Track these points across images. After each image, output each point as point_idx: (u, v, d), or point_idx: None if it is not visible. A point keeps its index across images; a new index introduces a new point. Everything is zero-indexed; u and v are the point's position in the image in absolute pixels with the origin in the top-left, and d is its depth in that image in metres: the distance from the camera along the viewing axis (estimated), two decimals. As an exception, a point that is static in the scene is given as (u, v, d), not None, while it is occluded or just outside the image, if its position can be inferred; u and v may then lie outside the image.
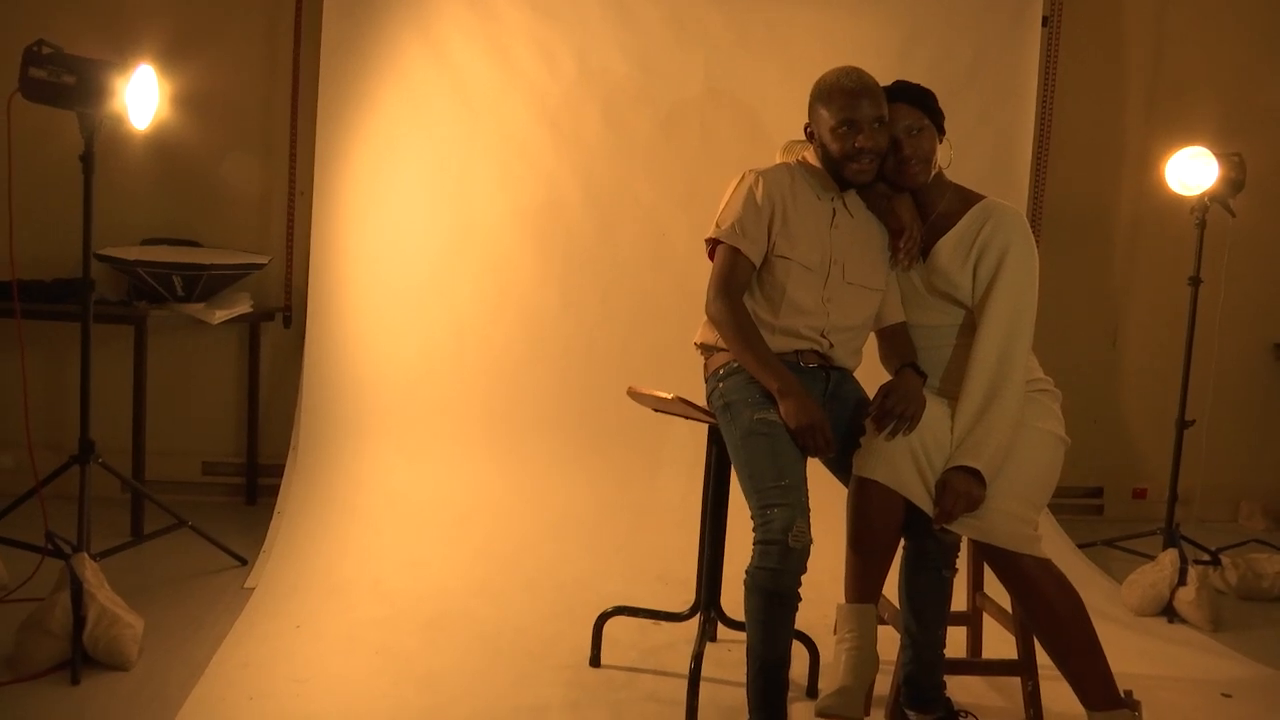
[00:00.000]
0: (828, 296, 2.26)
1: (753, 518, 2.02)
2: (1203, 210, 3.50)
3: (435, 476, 3.59)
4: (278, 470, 3.74)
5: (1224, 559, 3.64)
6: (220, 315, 3.47)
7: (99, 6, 3.69)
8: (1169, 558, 3.35)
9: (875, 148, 2.19)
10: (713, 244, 2.31)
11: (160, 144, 3.58)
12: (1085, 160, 4.32)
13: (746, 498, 2.06)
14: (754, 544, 2.00)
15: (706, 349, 2.34)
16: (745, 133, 3.81)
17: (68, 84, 2.50)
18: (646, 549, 3.39)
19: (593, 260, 3.80)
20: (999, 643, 2.66)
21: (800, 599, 2.00)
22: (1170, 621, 3.22)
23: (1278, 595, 3.53)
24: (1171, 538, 3.44)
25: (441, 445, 3.65)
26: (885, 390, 2.13)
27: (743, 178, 2.32)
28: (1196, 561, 3.42)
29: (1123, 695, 2.06)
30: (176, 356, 3.81)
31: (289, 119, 3.78)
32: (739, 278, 2.23)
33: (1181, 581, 3.27)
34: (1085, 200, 4.37)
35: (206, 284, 3.42)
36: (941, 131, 2.32)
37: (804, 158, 2.36)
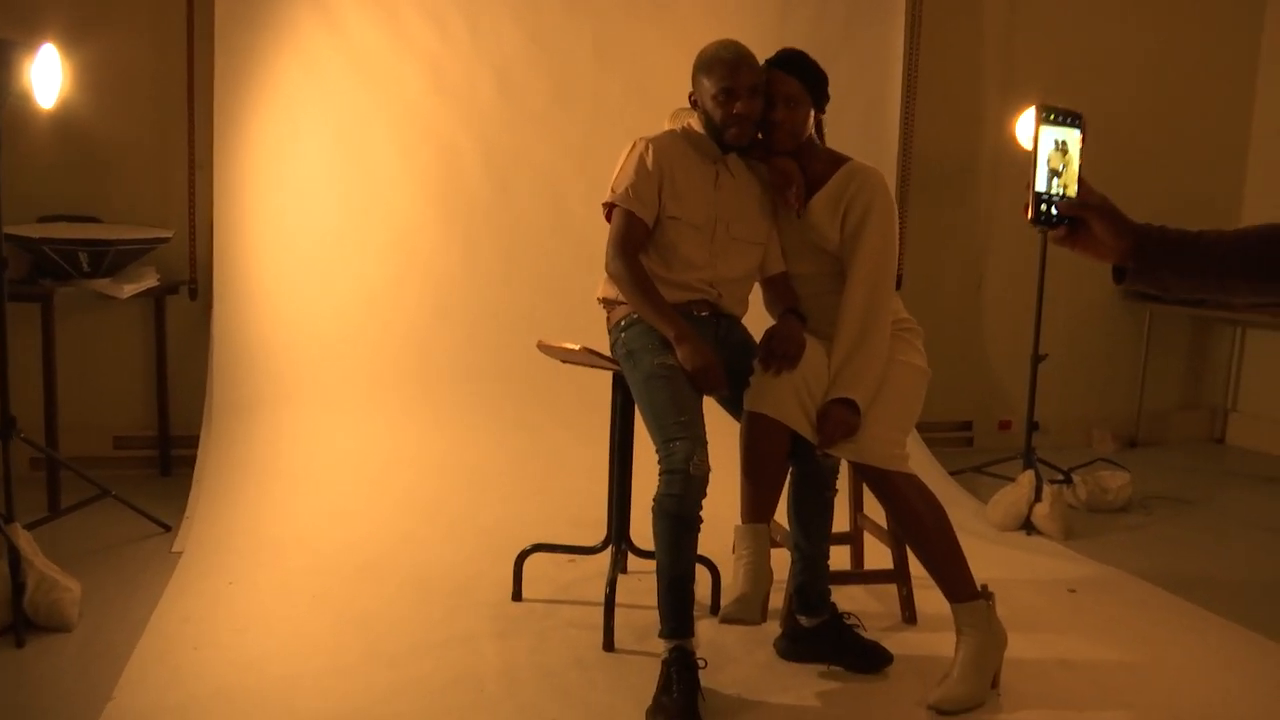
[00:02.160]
0: (714, 251, 2.49)
1: (657, 451, 2.26)
2: (1049, 163, 3.85)
3: (351, 436, 3.73)
4: (190, 441, 3.82)
5: (1075, 477, 4.06)
6: (129, 289, 3.51)
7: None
8: (1026, 478, 3.74)
9: (751, 114, 2.42)
10: (609, 207, 2.51)
11: (54, 121, 3.57)
12: (949, 118, 4.66)
13: (651, 434, 2.29)
14: (659, 474, 2.23)
15: (608, 303, 2.56)
16: (635, 99, 4.00)
17: (-32, 64, 2.54)
18: (558, 494, 3.61)
19: (493, 224, 3.96)
20: (877, 558, 2.98)
21: (702, 521, 2.24)
22: (1029, 534, 3.62)
23: (1120, 506, 3.98)
24: (1029, 460, 3.83)
25: (356, 406, 3.78)
26: (770, 334, 2.39)
27: (634, 145, 2.53)
28: (1051, 481, 3.81)
29: (979, 589, 2.38)
30: (82, 333, 3.83)
31: (185, 92, 3.80)
32: (634, 237, 2.45)
33: (1038, 499, 3.67)
34: (950, 155, 4.72)
35: (113, 259, 3.46)
36: (819, 108, 2.54)
37: (689, 124, 2.58)
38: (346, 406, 3.78)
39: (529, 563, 2.88)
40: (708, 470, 2.22)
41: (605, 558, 2.88)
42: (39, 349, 3.41)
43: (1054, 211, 1.28)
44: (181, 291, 3.91)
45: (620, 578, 2.80)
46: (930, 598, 2.81)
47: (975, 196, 4.81)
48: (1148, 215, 1.33)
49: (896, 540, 2.79)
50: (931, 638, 2.67)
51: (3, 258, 2.71)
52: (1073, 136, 1.31)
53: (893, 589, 2.85)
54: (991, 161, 4.75)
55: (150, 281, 3.66)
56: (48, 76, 2.74)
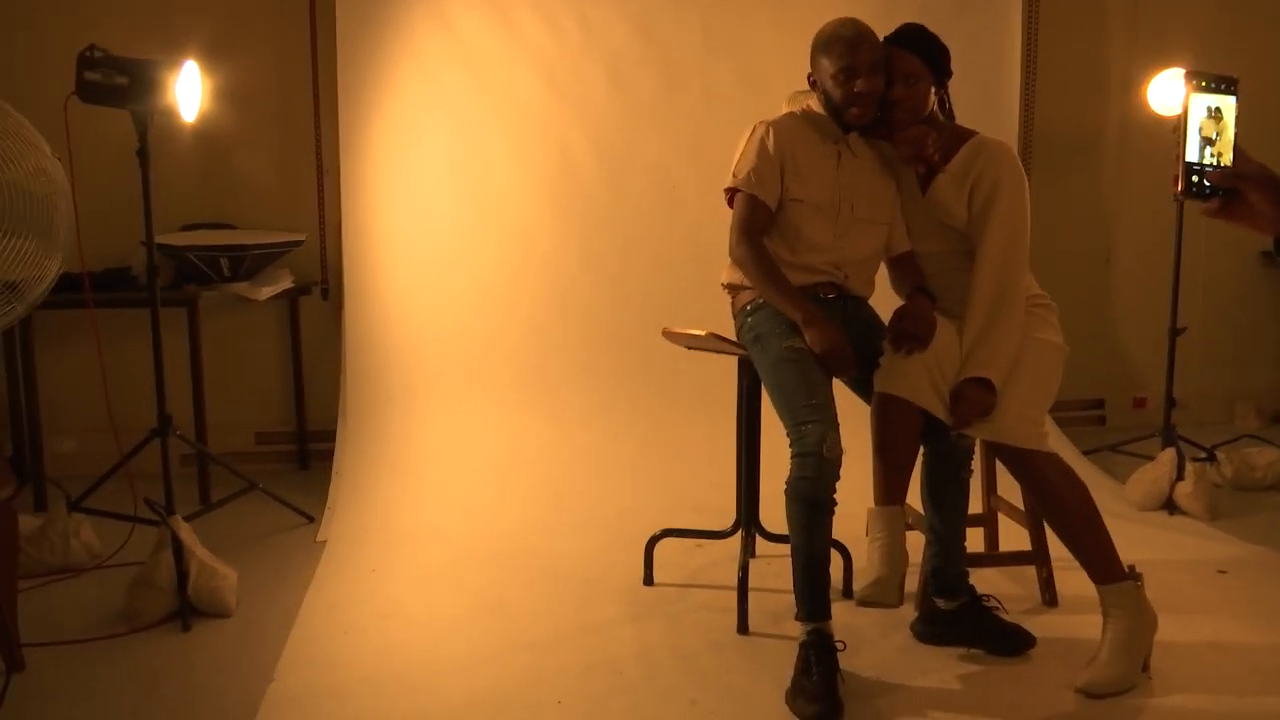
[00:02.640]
0: (839, 232, 2.47)
1: (788, 434, 2.25)
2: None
3: (478, 430, 3.82)
4: (325, 435, 3.98)
5: (1219, 454, 3.88)
6: (267, 291, 3.68)
7: (140, 7, 3.86)
8: (1167, 456, 3.60)
9: (873, 91, 2.38)
10: (731, 192, 2.51)
11: (191, 133, 3.76)
12: (1071, 87, 4.50)
13: (781, 418, 2.28)
14: (791, 457, 2.23)
15: (732, 288, 2.56)
16: (745, 86, 3.98)
17: (121, 85, 2.68)
18: (681, 482, 3.62)
19: (608, 218, 4.00)
20: (1011, 540, 2.90)
21: (835, 504, 2.23)
22: (1171, 514, 3.47)
23: (1270, 485, 3.79)
24: (1169, 437, 3.68)
25: (480, 401, 3.88)
26: (900, 314, 2.35)
27: (754, 129, 2.51)
28: (1194, 459, 3.65)
29: (1126, 570, 2.30)
30: (223, 335, 4.02)
31: (311, 102, 3.95)
32: (758, 222, 2.44)
33: (1180, 477, 3.52)
34: (1074, 125, 4.55)
35: (250, 263, 3.63)
36: (941, 84, 2.48)
37: (809, 106, 2.55)
38: (471, 400, 3.88)
39: (657, 549, 2.91)
40: (841, 452, 2.20)
41: (731, 543, 2.89)
42: (186, 351, 3.60)
43: (1206, 183, 1.22)
44: (314, 292, 4.07)
45: (750, 561, 2.80)
46: (1070, 579, 2.74)
47: (1101, 168, 4.63)
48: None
49: (1034, 521, 2.72)
50: (1074, 620, 2.59)
51: (155, 265, 2.86)
52: (1227, 103, 1.25)
53: (1028, 571, 2.79)
54: (1118, 131, 4.56)
55: (285, 284, 3.82)
56: (190, 92, 2.88)
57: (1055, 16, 4.39)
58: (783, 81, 3.95)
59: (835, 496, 2.22)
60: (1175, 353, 3.80)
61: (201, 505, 3.50)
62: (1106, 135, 4.59)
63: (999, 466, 2.73)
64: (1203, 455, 3.88)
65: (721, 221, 3.97)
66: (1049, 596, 2.73)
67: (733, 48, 4.01)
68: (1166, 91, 3.63)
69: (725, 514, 3.34)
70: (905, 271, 2.53)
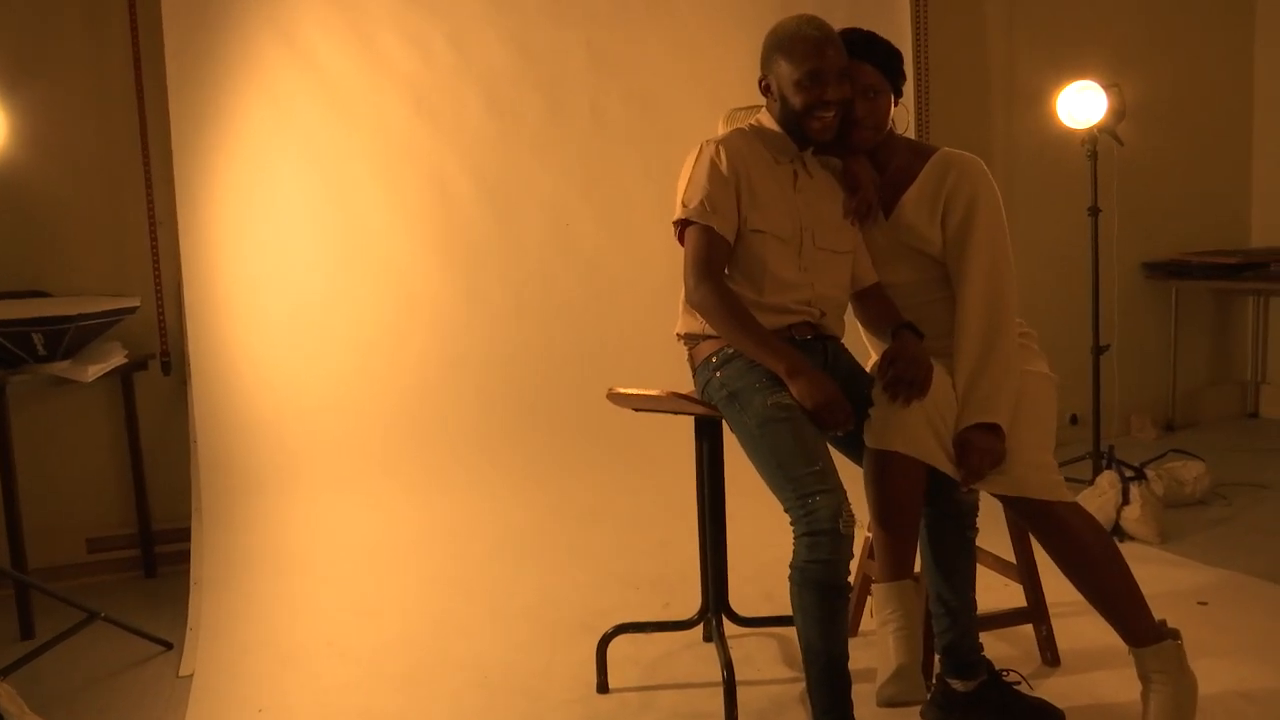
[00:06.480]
0: (804, 266, 2.15)
1: (789, 509, 1.89)
2: (1093, 142, 3.59)
3: (364, 515, 3.28)
4: (175, 535, 3.37)
5: (1148, 472, 3.77)
6: (94, 370, 3.02)
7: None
8: (1107, 480, 3.45)
9: (841, 100, 2.09)
10: (681, 225, 2.14)
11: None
12: (960, 101, 4.38)
13: (777, 490, 1.92)
14: (797, 537, 1.87)
15: (691, 339, 2.18)
16: (636, 109, 3.65)
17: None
18: (604, 557, 3.20)
19: (497, 260, 3.56)
20: (984, 596, 2.64)
21: (851, 588, 1.88)
22: (1121, 541, 3.31)
23: (1198, 499, 3.71)
24: (1107, 460, 3.54)
25: (364, 480, 3.34)
26: (891, 357, 2.03)
27: (701, 149, 2.17)
28: (1124, 479, 3.52)
29: (1160, 626, 2.05)
30: (40, 424, 3.31)
31: (139, 140, 3.33)
32: (717, 258, 2.09)
33: (1125, 501, 3.37)
34: (964, 139, 4.42)
35: (73, 338, 2.97)
36: (899, 94, 2.24)
37: (757, 120, 2.23)
38: (353, 480, 3.34)
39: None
40: (854, 526, 1.85)
41: (687, 631, 2.50)
42: (-10, 450, 2.92)
43: None
44: (152, 366, 3.41)
45: (709, 649, 2.43)
46: (1064, 630, 2.50)
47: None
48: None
49: (1027, 573, 2.46)
50: (1085, 680, 2.35)
51: (-52, 351, 2.24)
52: None
53: (1017, 630, 2.52)
54: (1003, 144, 4.47)
55: (117, 359, 3.17)
56: (-15, 129, 2.29)
57: (941, 35, 4.26)
58: (676, 104, 3.67)
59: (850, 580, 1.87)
60: (1100, 371, 3.70)
61: (23, 642, 2.83)
62: (991, 152, 4.50)
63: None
64: (1130, 474, 3.77)
65: (622, 260, 3.64)
66: (1050, 655, 2.46)
67: (620, 67, 3.65)
68: (1076, 104, 3.51)
69: (664, 589, 2.99)
70: (878, 307, 2.22)
